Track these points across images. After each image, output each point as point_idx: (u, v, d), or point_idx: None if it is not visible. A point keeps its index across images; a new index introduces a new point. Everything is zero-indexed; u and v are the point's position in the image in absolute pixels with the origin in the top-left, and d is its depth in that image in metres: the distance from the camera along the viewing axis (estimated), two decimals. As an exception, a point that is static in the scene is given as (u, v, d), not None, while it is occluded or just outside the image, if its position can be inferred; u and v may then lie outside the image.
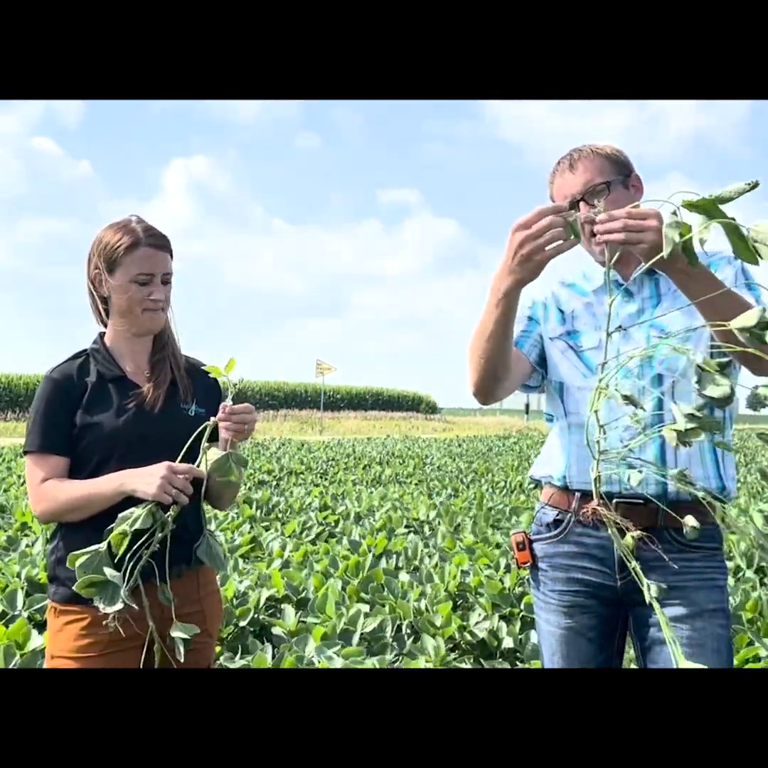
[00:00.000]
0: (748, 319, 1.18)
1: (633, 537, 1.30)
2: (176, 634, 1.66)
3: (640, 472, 1.48)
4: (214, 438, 1.75)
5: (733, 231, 1.22)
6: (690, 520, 1.30)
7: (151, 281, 1.82)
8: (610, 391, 1.31)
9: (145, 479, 1.69)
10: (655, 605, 1.29)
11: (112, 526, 1.64)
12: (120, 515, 1.64)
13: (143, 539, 1.64)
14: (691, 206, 1.23)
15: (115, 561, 1.62)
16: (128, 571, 1.61)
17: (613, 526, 1.34)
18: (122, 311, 1.85)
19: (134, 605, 1.60)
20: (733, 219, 1.21)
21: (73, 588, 1.60)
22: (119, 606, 1.58)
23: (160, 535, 1.67)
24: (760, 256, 1.20)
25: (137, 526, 1.62)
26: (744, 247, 1.22)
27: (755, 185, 1.21)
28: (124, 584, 1.60)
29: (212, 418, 1.74)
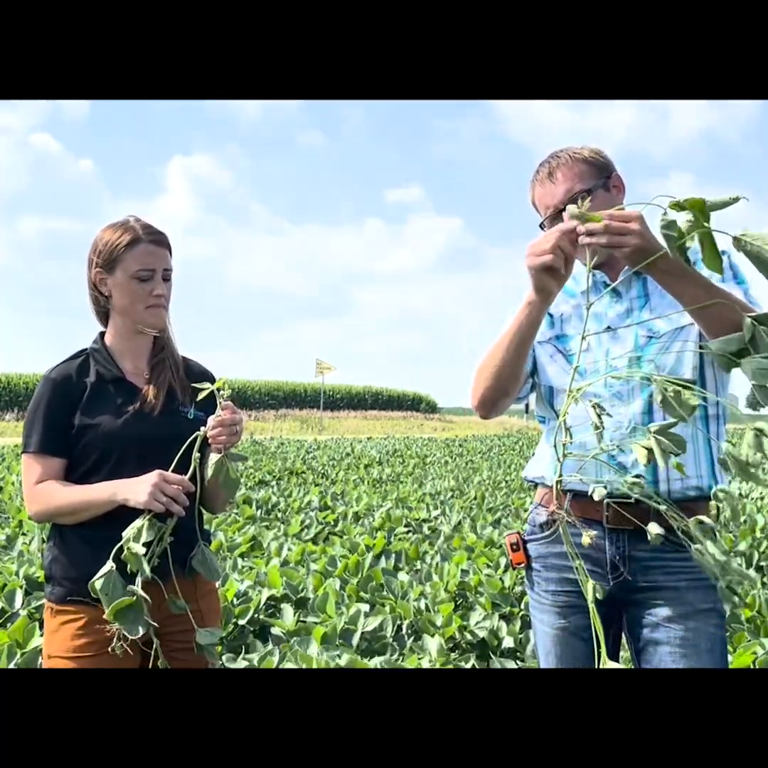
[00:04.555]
0: (729, 343, 1.19)
1: (590, 537, 1.35)
2: (203, 640, 1.67)
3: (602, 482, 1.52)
4: (206, 443, 1.75)
5: (708, 239, 1.24)
6: (654, 528, 1.32)
7: (152, 277, 1.83)
8: (582, 396, 1.34)
9: (136, 488, 1.70)
10: (591, 605, 1.32)
11: (121, 544, 1.64)
12: (124, 534, 1.65)
13: (143, 555, 1.64)
14: (677, 207, 1.24)
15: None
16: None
17: (565, 527, 1.39)
18: (124, 309, 1.85)
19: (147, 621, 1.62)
20: (708, 226, 1.24)
21: (105, 616, 1.60)
22: (141, 631, 1.60)
23: (158, 549, 1.67)
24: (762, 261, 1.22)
25: (143, 539, 1.63)
26: (713, 257, 1.24)
27: (737, 199, 1.23)
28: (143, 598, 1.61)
29: (202, 429, 1.74)
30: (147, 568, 1.62)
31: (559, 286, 1.56)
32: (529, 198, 1.86)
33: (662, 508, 1.33)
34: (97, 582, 1.62)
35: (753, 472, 1.22)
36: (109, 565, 1.62)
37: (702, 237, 1.24)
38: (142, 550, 1.62)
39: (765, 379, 1.16)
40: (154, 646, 1.68)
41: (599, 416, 1.29)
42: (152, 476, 1.70)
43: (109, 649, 1.61)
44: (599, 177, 1.76)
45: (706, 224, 1.23)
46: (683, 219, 1.25)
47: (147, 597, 1.61)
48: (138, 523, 1.65)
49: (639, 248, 1.41)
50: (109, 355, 1.89)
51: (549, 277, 1.52)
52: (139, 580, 1.61)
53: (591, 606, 1.33)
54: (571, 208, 1.43)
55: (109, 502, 1.73)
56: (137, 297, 1.83)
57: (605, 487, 1.41)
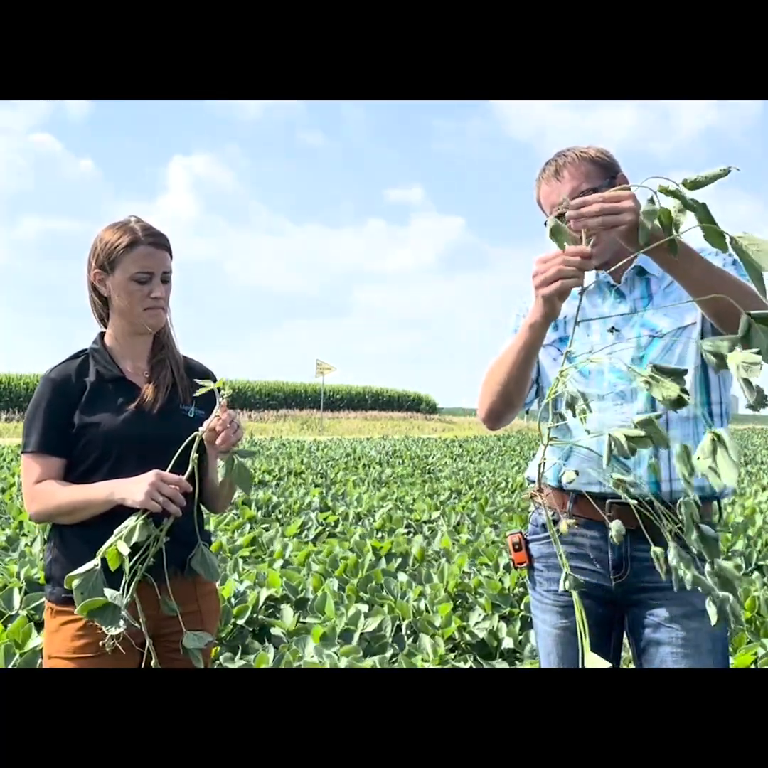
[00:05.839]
0: (722, 344, 1.18)
1: (568, 524, 1.34)
2: (189, 644, 1.66)
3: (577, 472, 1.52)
4: (202, 447, 1.74)
5: (704, 216, 1.23)
6: (616, 525, 1.31)
7: (150, 280, 1.83)
8: (569, 378, 1.33)
9: (133, 487, 1.69)
10: (575, 596, 1.30)
11: (110, 541, 1.62)
12: (116, 531, 1.63)
13: (138, 554, 1.63)
14: (667, 192, 1.24)
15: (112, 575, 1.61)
16: (124, 586, 1.59)
17: (549, 513, 1.40)
18: (122, 310, 1.86)
19: (133, 621, 1.59)
20: (705, 204, 1.23)
21: (75, 611, 1.59)
22: (121, 628, 1.57)
23: (153, 549, 1.66)
24: (761, 266, 1.21)
25: (134, 539, 1.61)
26: (713, 232, 1.23)
27: (727, 172, 1.22)
28: (123, 600, 1.59)
29: (201, 429, 1.72)
30: (128, 568, 1.59)
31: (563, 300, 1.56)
32: (535, 196, 1.86)
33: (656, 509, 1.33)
34: (75, 580, 1.60)
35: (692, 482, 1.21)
36: (94, 562, 1.61)
37: (698, 217, 1.23)
38: (127, 550, 1.60)
39: (750, 373, 1.15)
40: (147, 646, 1.68)
41: (576, 413, 1.29)
42: (149, 476, 1.70)
43: (100, 644, 1.60)
44: (605, 177, 1.76)
45: (697, 201, 1.22)
46: (672, 204, 1.25)
47: (120, 602, 1.58)
48: (131, 522, 1.64)
49: (634, 225, 1.40)
50: (109, 356, 1.89)
51: (559, 299, 1.51)
52: (130, 580, 1.60)
53: (575, 596, 1.30)
54: (551, 222, 1.42)
55: (106, 502, 1.73)
56: (135, 299, 1.83)
57: (618, 485, 1.40)
